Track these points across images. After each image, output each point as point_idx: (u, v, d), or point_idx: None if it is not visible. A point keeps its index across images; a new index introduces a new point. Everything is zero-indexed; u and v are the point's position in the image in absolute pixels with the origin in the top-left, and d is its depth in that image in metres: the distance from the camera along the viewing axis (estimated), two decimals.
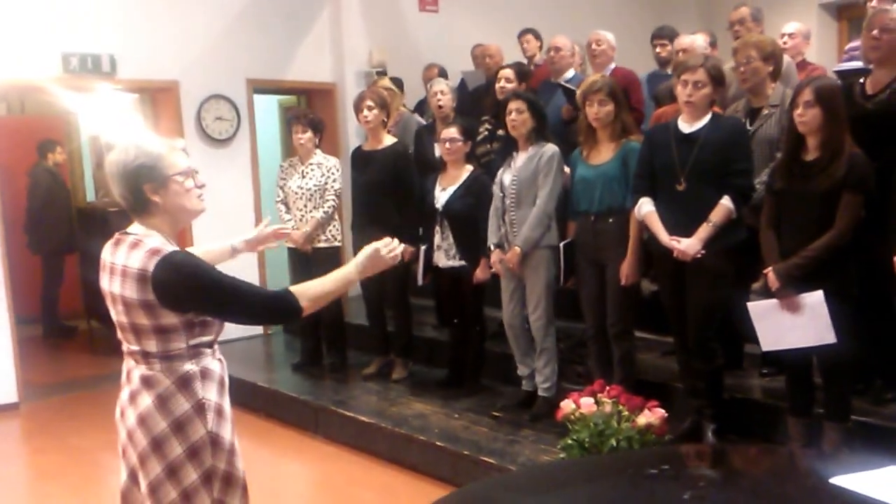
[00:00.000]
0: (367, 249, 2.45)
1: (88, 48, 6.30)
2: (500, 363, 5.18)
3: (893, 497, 1.68)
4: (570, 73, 5.71)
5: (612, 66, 5.67)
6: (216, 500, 2.35)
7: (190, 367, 2.31)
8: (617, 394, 3.97)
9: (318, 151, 5.61)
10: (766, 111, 4.15)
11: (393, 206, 5.30)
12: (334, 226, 5.59)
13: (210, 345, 2.39)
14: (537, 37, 6.76)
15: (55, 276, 7.84)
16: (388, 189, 5.29)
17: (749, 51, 4.17)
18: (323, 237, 5.53)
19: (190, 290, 2.24)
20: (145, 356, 2.31)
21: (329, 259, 5.46)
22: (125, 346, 2.37)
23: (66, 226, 7.84)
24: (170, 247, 2.27)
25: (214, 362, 2.39)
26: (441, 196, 4.95)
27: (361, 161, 5.48)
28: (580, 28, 6.47)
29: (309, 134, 5.50)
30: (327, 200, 5.50)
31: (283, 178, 5.66)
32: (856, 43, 5.37)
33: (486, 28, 7.68)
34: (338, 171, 5.58)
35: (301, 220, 5.52)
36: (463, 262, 4.91)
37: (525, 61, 6.74)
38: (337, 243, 5.62)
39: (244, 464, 2.48)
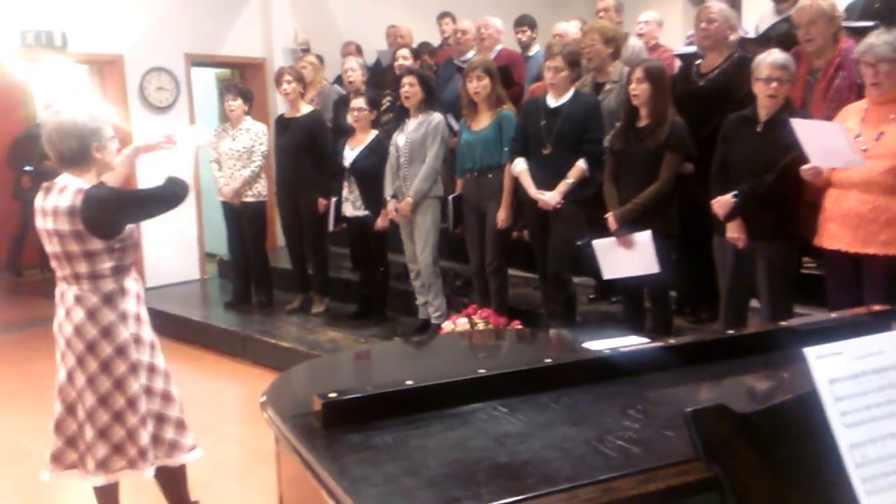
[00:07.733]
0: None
1: (42, 25, 6.84)
2: (402, 298, 6.03)
3: (606, 345, 2.16)
4: (470, 54, 6.41)
5: (499, 47, 6.42)
6: (143, 385, 2.96)
7: (112, 286, 2.87)
8: (487, 315, 4.89)
9: (248, 118, 6.33)
10: (608, 86, 4.95)
11: (310, 164, 6.09)
12: (261, 183, 6.35)
13: (128, 268, 2.96)
14: (454, 20, 7.41)
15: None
16: (305, 150, 6.06)
17: (593, 35, 4.91)
18: (250, 193, 6.29)
19: (111, 209, 2.80)
20: (76, 278, 2.85)
21: (256, 212, 6.36)
22: (59, 273, 2.91)
23: None
24: (87, 185, 2.80)
25: (131, 282, 2.97)
26: (349, 155, 5.74)
27: (283, 126, 6.25)
28: (481, 12, 7.15)
29: (239, 102, 6.23)
30: (254, 161, 6.23)
31: (216, 141, 6.41)
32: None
33: (402, 9, 8.38)
34: (264, 135, 6.33)
35: (231, 177, 6.26)
36: (367, 212, 5.72)
37: (440, 42, 7.51)
38: (262, 198, 6.40)
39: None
